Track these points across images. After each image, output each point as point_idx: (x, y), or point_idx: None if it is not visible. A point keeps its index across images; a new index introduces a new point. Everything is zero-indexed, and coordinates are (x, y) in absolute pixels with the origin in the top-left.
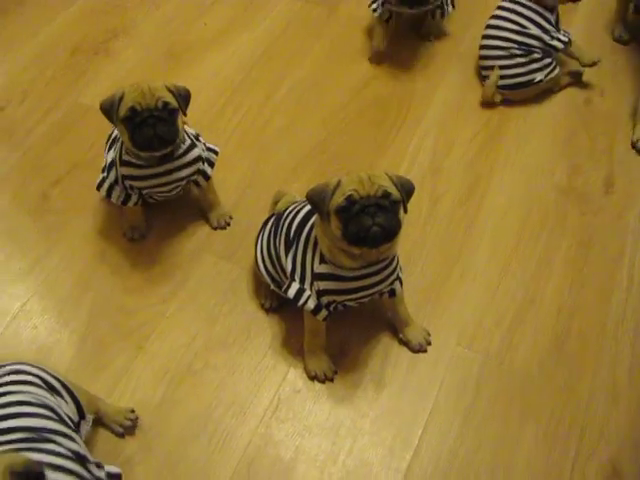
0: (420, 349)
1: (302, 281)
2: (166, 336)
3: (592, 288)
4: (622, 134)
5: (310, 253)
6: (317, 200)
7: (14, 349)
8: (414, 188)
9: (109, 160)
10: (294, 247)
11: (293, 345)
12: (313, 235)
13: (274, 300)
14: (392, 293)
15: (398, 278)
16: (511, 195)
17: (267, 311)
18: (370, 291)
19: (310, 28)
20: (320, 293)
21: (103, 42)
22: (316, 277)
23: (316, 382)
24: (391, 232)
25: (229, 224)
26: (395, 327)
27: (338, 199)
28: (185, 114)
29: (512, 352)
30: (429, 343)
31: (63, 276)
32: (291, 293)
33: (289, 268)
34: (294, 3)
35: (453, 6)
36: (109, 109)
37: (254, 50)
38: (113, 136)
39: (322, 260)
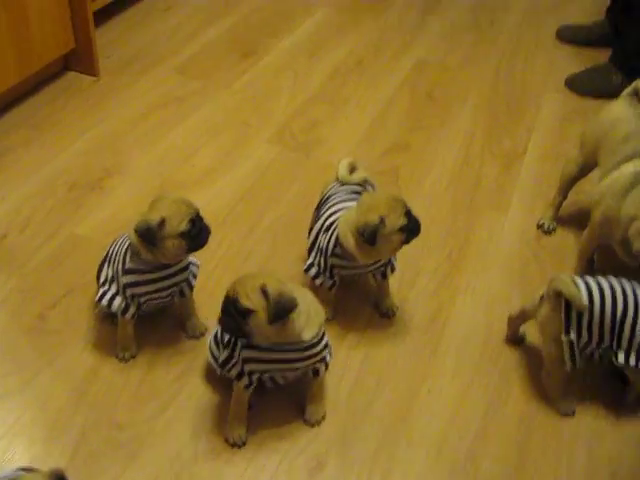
0: (312, 423)
1: (232, 349)
2: (156, 449)
3: (549, 399)
4: (569, 267)
5: None
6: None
7: (8, 461)
8: (287, 309)
9: (110, 275)
10: None
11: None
12: None
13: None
14: (315, 373)
15: (324, 361)
16: (472, 321)
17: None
18: (289, 366)
19: (287, 171)
20: (244, 360)
21: (99, 180)
22: (242, 347)
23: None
24: (230, 332)
25: (203, 334)
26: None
27: None
28: None
29: (476, 461)
30: (318, 422)
31: (57, 392)
32: (220, 360)
33: (227, 337)
34: (272, 149)
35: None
36: (148, 233)
37: (236, 190)
38: (109, 254)
39: None
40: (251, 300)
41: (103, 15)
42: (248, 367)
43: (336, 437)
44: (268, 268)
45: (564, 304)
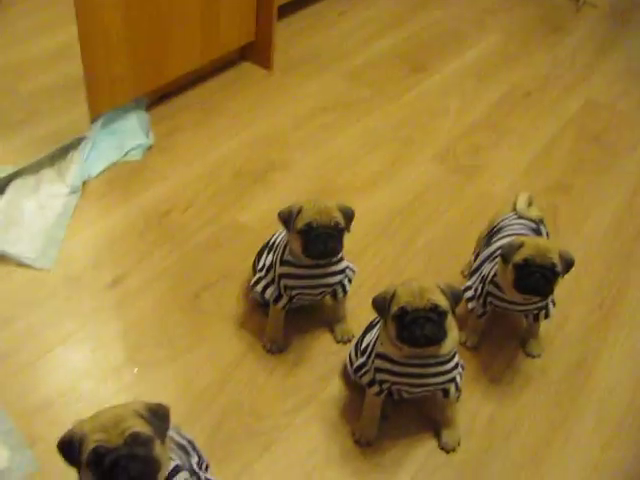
0: (447, 449)
1: (368, 357)
2: (291, 444)
3: None
4: None
5: (375, 334)
6: (379, 307)
7: None
8: (462, 296)
9: (268, 263)
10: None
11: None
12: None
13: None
14: (445, 394)
15: (454, 382)
16: (617, 375)
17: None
18: (419, 381)
19: (446, 192)
20: (376, 369)
21: (262, 172)
22: (376, 355)
23: None
24: (436, 340)
25: (350, 340)
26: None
27: (393, 308)
28: (349, 231)
29: None
30: (454, 449)
31: (203, 370)
32: (354, 366)
33: (364, 345)
34: (434, 168)
35: (554, 304)
36: (287, 219)
37: (395, 204)
38: (271, 242)
39: (382, 342)
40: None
41: (282, 12)
42: (379, 376)
43: (465, 467)
44: None
45: None
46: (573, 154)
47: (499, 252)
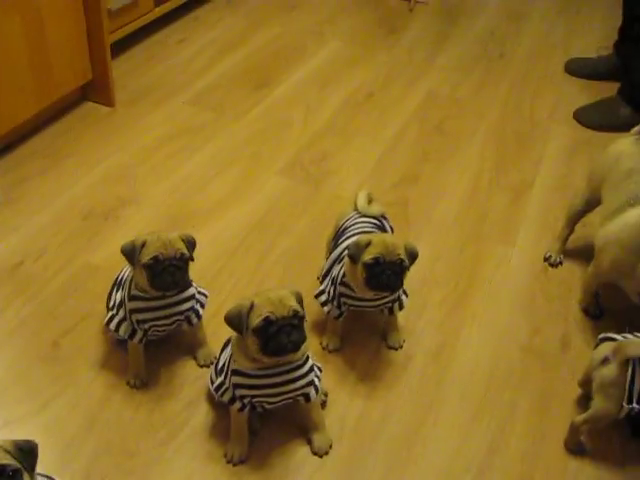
0: (318, 453)
1: (225, 376)
2: (165, 476)
3: (553, 437)
4: (575, 300)
5: (229, 352)
6: (234, 322)
7: None
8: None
9: (118, 300)
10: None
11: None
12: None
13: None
14: (307, 398)
15: (313, 385)
16: (478, 353)
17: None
18: (278, 390)
19: (297, 203)
20: (234, 386)
21: (112, 210)
22: (232, 373)
23: None
24: (299, 345)
25: (213, 363)
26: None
27: (255, 320)
28: (193, 260)
29: None
30: (327, 453)
31: (69, 418)
32: (214, 386)
33: (220, 365)
34: (283, 180)
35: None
36: (130, 253)
37: (248, 220)
38: (119, 278)
39: (235, 359)
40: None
41: (119, 47)
42: (238, 392)
43: (341, 467)
44: None
45: (630, 372)
46: (418, 146)
47: (346, 253)
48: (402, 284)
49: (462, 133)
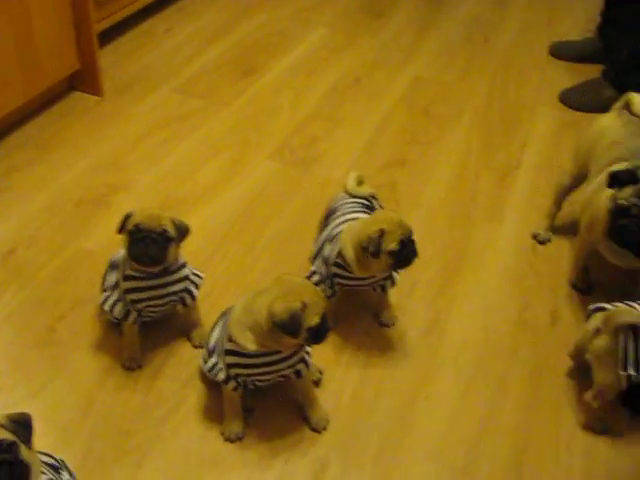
0: (316, 429)
1: (218, 355)
2: (162, 455)
3: (545, 409)
4: (564, 276)
5: (225, 333)
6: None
7: None
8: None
9: (112, 281)
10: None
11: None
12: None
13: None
14: (298, 374)
15: (304, 361)
16: (469, 329)
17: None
18: (270, 368)
19: (287, 186)
20: (228, 366)
21: (104, 196)
22: (225, 352)
23: None
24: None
25: None
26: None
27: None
28: (179, 246)
29: (475, 466)
30: (325, 428)
31: (66, 401)
32: (207, 367)
33: (211, 345)
34: (272, 165)
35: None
36: (122, 221)
37: (238, 205)
38: (113, 260)
39: (229, 339)
40: None
41: (106, 37)
42: (233, 371)
43: (337, 442)
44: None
45: (622, 340)
46: (405, 130)
47: (336, 232)
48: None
49: (449, 117)
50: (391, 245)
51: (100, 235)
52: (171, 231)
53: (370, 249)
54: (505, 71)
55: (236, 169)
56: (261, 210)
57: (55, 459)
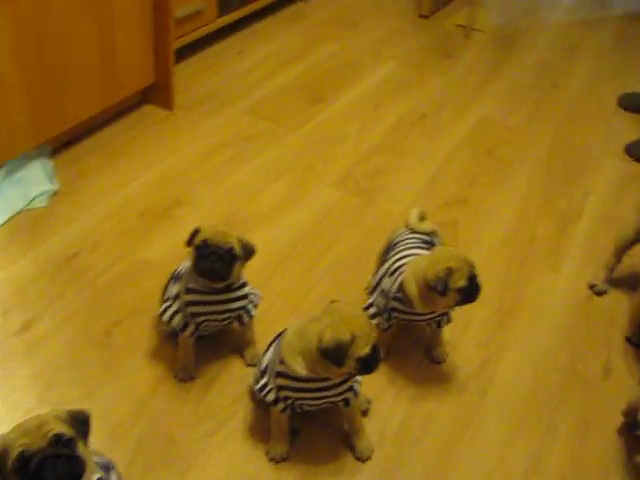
0: (360, 458)
1: (269, 376)
2: (207, 468)
3: (592, 463)
4: (619, 329)
5: (277, 355)
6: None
7: None
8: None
9: (174, 292)
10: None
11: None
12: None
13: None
14: (347, 403)
15: (352, 390)
16: (519, 373)
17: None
18: (319, 394)
19: (348, 215)
20: (278, 387)
21: (168, 208)
22: (277, 374)
23: None
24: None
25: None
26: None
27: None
28: (243, 265)
29: None
30: (369, 458)
31: (117, 404)
32: (258, 386)
33: (264, 366)
34: (335, 193)
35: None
36: (191, 235)
37: (299, 229)
38: (177, 272)
39: (281, 361)
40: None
41: (181, 54)
42: (282, 393)
43: (380, 473)
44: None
45: None
46: (468, 169)
47: (396, 267)
48: None
49: (512, 160)
50: (459, 282)
51: (161, 247)
52: (237, 249)
53: (438, 288)
54: (571, 118)
55: (299, 194)
56: (321, 236)
57: (106, 459)
